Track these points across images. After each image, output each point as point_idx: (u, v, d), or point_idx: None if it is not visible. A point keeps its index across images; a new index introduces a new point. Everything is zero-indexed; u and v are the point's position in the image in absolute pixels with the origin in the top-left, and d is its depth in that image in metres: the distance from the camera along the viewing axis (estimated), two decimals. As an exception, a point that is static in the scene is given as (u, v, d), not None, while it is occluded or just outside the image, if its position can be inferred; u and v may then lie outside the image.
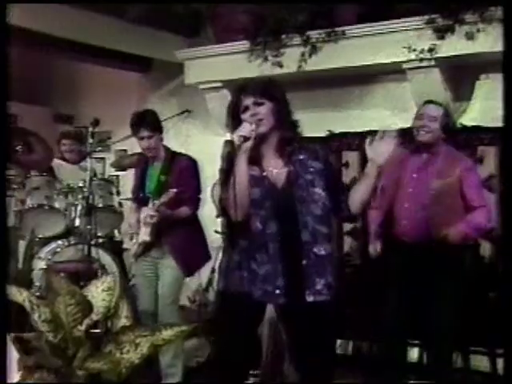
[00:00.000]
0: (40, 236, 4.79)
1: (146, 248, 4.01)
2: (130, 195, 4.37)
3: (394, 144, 2.67)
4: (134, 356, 2.45)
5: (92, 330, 2.55)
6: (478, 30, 4.23)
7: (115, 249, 5.06)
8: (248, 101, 2.65)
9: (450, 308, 3.65)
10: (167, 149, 4.12)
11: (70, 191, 4.78)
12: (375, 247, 3.91)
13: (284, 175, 2.67)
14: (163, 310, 3.99)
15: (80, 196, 4.64)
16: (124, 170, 5.17)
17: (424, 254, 3.63)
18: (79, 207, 4.68)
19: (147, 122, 3.98)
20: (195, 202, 4.05)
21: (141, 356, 2.46)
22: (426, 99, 3.94)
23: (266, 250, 2.61)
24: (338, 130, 5.13)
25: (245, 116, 2.64)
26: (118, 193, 5.06)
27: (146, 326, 3.03)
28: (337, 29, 4.75)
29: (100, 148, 4.61)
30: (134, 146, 4.55)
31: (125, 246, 5.31)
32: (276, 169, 2.68)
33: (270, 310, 2.87)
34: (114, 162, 5.28)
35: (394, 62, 4.58)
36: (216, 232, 4.80)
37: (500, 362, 4.12)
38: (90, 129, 4.17)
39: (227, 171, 2.58)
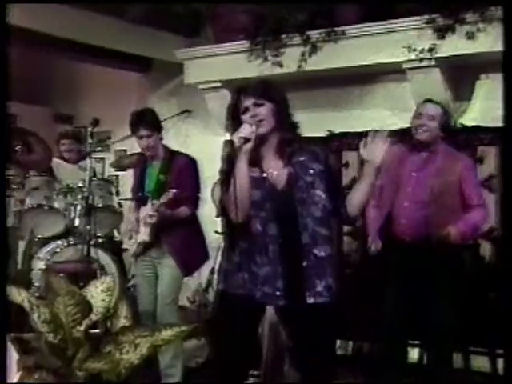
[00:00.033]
0: (39, 236, 4.79)
1: (145, 248, 4.01)
2: (129, 195, 4.36)
3: (387, 143, 2.67)
4: (134, 356, 2.45)
5: (91, 331, 2.55)
6: (479, 30, 4.22)
7: (115, 249, 5.06)
8: (248, 102, 2.64)
9: (449, 307, 3.65)
10: (166, 148, 4.11)
11: (69, 191, 4.78)
12: (375, 246, 3.91)
13: (284, 177, 2.66)
14: (162, 310, 3.98)
15: (79, 196, 4.63)
16: (124, 170, 5.16)
17: (423, 252, 3.63)
18: (78, 207, 4.68)
19: (146, 121, 3.98)
20: (194, 202, 4.04)
21: (140, 356, 2.46)
22: (425, 98, 3.94)
23: (266, 251, 2.61)
24: (338, 130, 5.12)
25: (245, 117, 2.63)
26: (118, 193, 5.06)
27: (146, 327, 3.03)
28: (337, 29, 4.74)
29: (100, 148, 4.60)
30: (133, 146, 4.55)
31: (124, 246, 5.31)
32: (276, 170, 2.67)
33: (270, 311, 2.87)
34: (114, 162, 5.27)
35: (394, 62, 4.57)
36: (216, 232, 4.80)
37: (500, 363, 4.12)
38: (90, 129, 4.17)
39: (227, 173, 2.57)
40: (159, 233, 3.94)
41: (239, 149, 2.52)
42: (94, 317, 2.55)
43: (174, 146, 4.27)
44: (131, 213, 4.25)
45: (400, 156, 3.79)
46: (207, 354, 4.44)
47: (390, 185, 3.78)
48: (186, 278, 4.24)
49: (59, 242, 4.68)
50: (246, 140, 2.53)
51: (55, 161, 5.12)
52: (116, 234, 5.35)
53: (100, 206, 4.73)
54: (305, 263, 2.61)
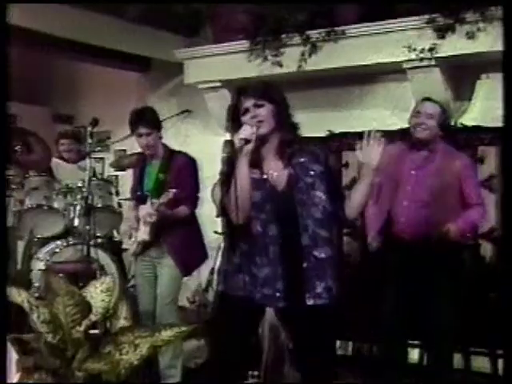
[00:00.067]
0: (39, 236, 4.78)
1: (144, 247, 4.01)
2: (129, 195, 4.36)
3: (382, 144, 2.67)
4: (133, 357, 2.45)
5: (91, 331, 2.55)
6: (479, 30, 4.22)
7: (114, 249, 5.05)
8: (248, 103, 2.64)
9: (449, 307, 3.65)
10: (165, 147, 4.11)
11: (68, 191, 4.77)
12: (375, 244, 3.90)
13: (284, 178, 2.65)
14: (162, 310, 3.98)
15: (79, 196, 4.63)
16: (123, 169, 5.15)
17: (423, 251, 3.63)
18: (78, 207, 4.68)
19: (146, 120, 3.97)
20: (194, 201, 4.04)
21: (140, 357, 2.45)
22: (423, 97, 3.94)
23: (266, 253, 2.60)
24: (338, 130, 5.12)
25: (245, 118, 2.63)
26: (117, 193, 5.06)
27: (145, 327, 3.02)
28: (336, 28, 4.73)
29: (99, 148, 4.59)
30: (133, 146, 4.55)
31: (124, 246, 5.31)
32: (276, 171, 2.67)
33: (270, 312, 2.86)
34: (114, 162, 5.27)
35: (395, 62, 4.57)
36: (215, 232, 4.79)
37: (500, 363, 4.11)
38: (89, 129, 4.16)
39: (228, 174, 2.56)
40: (159, 232, 3.94)
41: (240, 150, 2.52)
42: (93, 317, 2.54)
43: (174, 145, 4.27)
44: (131, 211, 4.25)
45: (399, 154, 3.79)
46: (207, 355, 4.44)
47: (389, 183, 3.77)
48: (186, 278, 4.24)
49: (59, 242, 4.68)
50: (247, 141, 2.52)
51: (55, 161, 5.11)
52: (116, 234, 5.34)
53: (99, 206, 4.73)
54: (305, 265, 2.61)
